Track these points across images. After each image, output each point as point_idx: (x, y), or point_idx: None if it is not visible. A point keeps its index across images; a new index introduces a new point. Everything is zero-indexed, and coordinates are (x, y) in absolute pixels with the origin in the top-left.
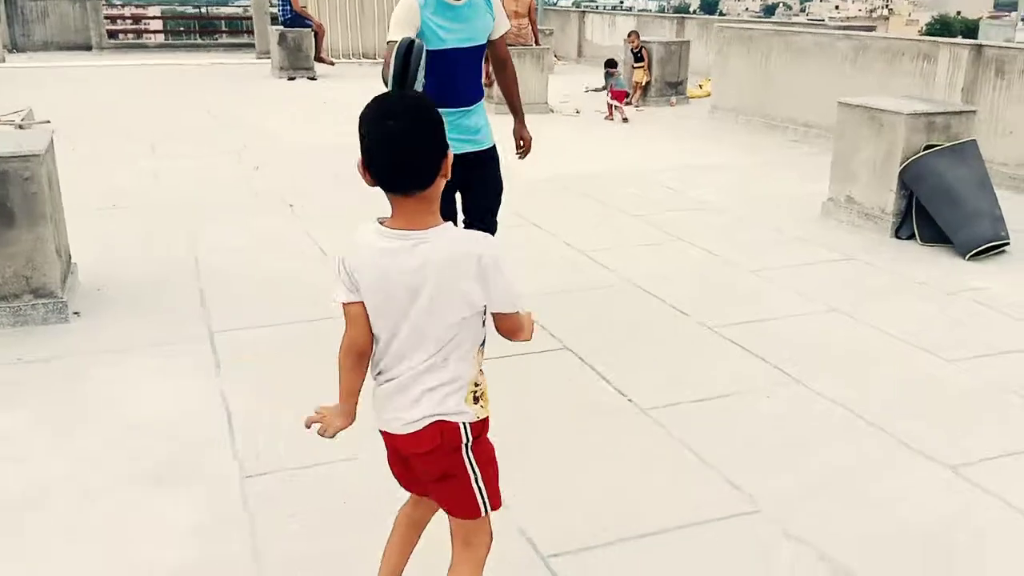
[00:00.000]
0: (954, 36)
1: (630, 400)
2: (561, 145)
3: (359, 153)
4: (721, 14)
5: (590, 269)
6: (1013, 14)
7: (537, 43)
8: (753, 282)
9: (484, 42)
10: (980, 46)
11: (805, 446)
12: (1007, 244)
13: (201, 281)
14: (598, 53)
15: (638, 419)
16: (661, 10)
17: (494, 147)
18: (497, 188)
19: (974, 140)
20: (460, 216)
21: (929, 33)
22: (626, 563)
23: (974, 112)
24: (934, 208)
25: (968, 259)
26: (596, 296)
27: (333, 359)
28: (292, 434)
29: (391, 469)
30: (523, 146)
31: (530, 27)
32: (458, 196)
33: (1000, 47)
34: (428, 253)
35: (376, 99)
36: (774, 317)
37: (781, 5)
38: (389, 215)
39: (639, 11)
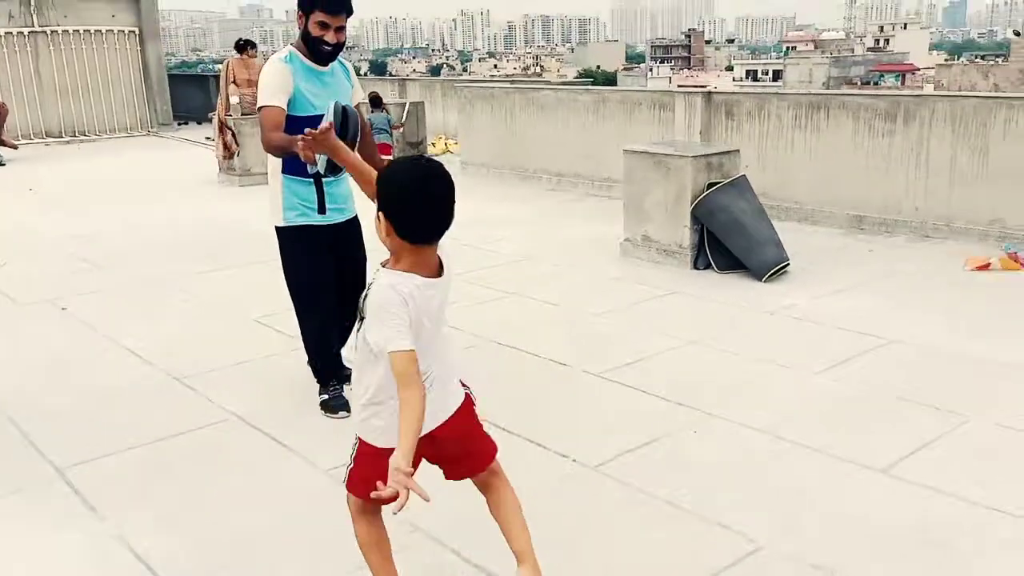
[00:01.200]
0: (598, 86)
1: (575, 460)
2: None
3: (380, 212)
4: (390, 74)
5: None
6: (642, 65)
7: None
8: (605, 325)
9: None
10: (710, 93)
11: (758, 475)
12: (788, 265)
13: (2, 406)
14: None
15: (595, 479)
16: (435, 70)
17: (357, 217)
18: (365, 259)
19: (744, 175)
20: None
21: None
22: None
23: (738, 151)
24: (727, 239)
25: (764, 281)
26: (467, 356)
27: (224, 466)
28: (254, 557)
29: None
30: None
31: None
32: None
33: (726, 93)
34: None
35: (409, 165)
36: (647, 356)
37: (445, 66)
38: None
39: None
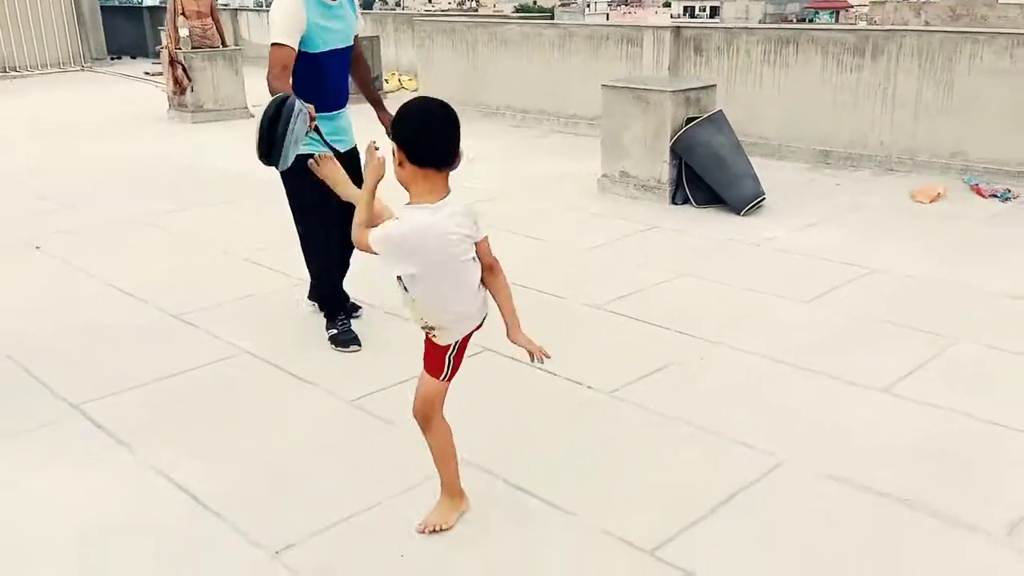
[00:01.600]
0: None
1: (590, 387)
2: None
3: (394, 144)
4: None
5: None
6: (579, 1)
7: (224, 44)
8: (595, 259)
9: (351, 44)
10: (679, 27)
11: (766, 397)
12: (765, 198)
13: None
14: (259, 53)
15: (613, 403)
16: None
17: (356, 147)
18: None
19: (721, 110)
20: None
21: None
22: (724, 536)
23: (715, 86)
24: (706, 173)
25: (742, 215)
26: None
27: (245, 399)
28: (291, 483)
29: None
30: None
31: (215, 27)
32: None
33: (695, 27)
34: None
35: (417, 103)
36: (641, 288)
37: (377, 0)
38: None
39: None
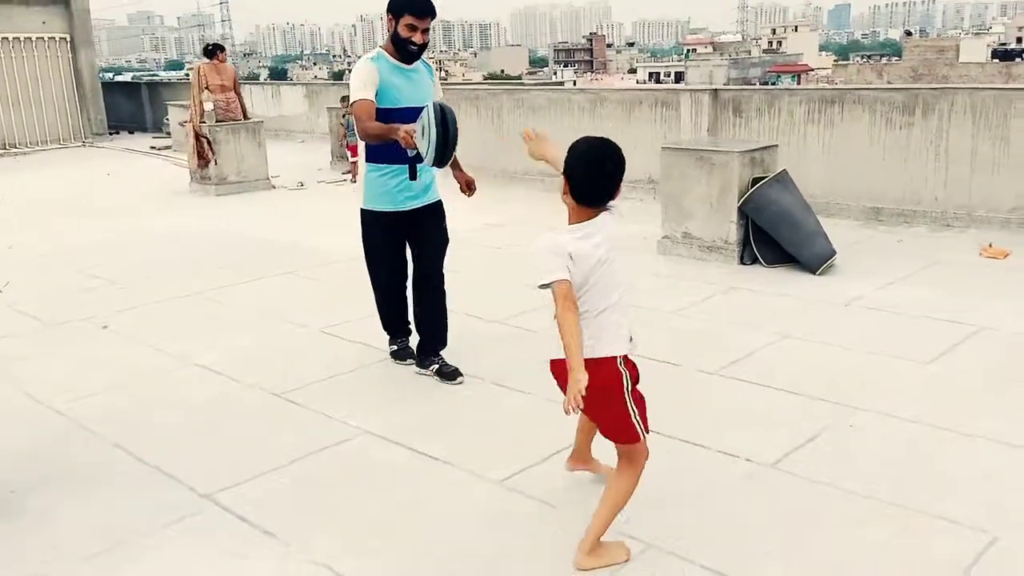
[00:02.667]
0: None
1: (748, 460)
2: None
3: (564, 174)
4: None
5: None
6: (545, 69)
7: (246, 117)
8: (687, 323)
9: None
10: (716, 90)
11: (935, 464)
12: (836, 256)
13: (102, 433)
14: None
15: (780, 477)
16: (337, 76)
17: (440, 201)
18: (445, 239)
19: (785, 169)
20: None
21: None
22: None
23: (776, 146)
24: (777, 233)
25: (817, 274)
26: None
27: (384, 482)
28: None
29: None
30: (470, 187)
31: (237, 100)
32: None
33: (733, 90)
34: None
35: (589, 145)
36: (751, 352)
37: (347, 72)
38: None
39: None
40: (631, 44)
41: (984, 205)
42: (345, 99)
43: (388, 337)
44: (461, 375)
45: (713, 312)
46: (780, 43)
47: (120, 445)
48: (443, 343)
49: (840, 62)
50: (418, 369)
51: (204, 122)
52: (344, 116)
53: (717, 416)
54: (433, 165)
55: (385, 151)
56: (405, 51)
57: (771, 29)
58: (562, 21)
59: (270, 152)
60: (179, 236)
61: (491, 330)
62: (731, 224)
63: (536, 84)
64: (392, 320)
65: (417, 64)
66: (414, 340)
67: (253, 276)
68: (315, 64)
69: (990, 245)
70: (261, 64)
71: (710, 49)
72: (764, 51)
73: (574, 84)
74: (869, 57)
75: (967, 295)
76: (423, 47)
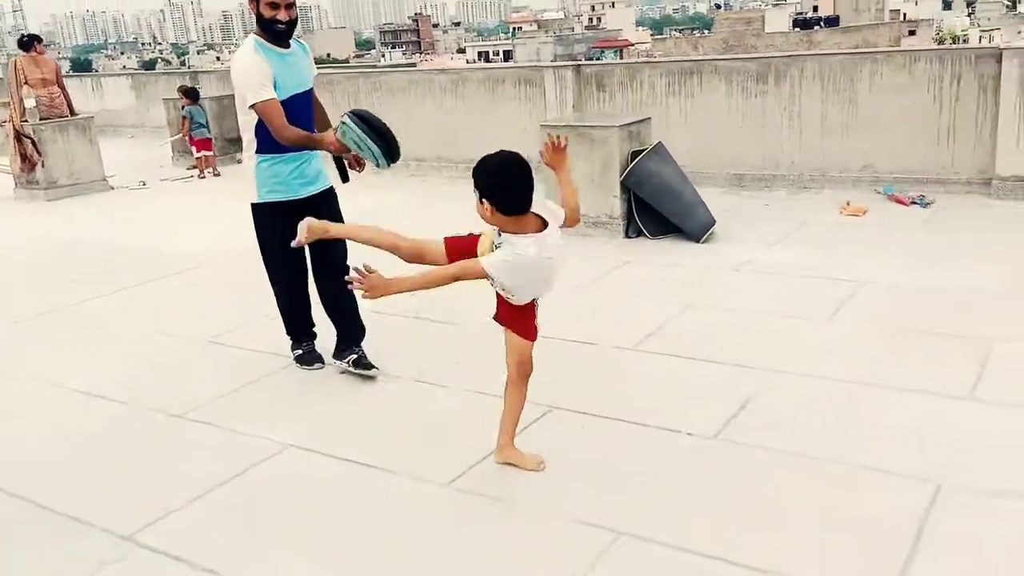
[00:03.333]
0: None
1: (689, 434)
2: (199, 217)
3: (483, 199)
4: (95, 71)
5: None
6: (373, 52)
7: (72, 112)
8: (587, 300)
9: (311, 87)
10: (579, 66)
11: (872, 419)
12: (715, 224)
13: None
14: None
15: (728, 448)
16: (149, 65)
17: (332, 187)
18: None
19: (661, 142)
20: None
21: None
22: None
23: (650, 119)
24: (660, 204)
25: (701, 242)
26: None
27: (324, 498)
28: None
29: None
30: (359, 162)
31: (62, 95)
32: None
33: (596, 65)
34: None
35: (493, 157)
36: (660, 325)
37: (160, 60)
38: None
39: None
40: (457, 24)
41: (836, 166)
42: (185, 89)
43: (291, 342)
44: (376, 367)
45: (612, 287)
46: (600, 19)
47: (15, 493)
48: (362, 331)
49: (657, 36)
50: (335, 361)
51: (26, 120)
52: (183, 108)
53: (647, 392)
54: (389, 165)
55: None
56: (273, 32)
57: (590, 6)
58: (384, 2)
59: (100, 150)
60: (14, 249)
61: (396, 323)
62: (614, 199)
63: (391, 67)
64: (297, 321)
65: (293, 46)
66: (319, 343)
67: (114, 287)
68: (122, 53)
69: (847, 203)
70: (61, 55)
71: (535, 27)
72: (586, 27)
73: (413, 66)
74: (682, 31)
75: (839, 253)
76: (292, 24)
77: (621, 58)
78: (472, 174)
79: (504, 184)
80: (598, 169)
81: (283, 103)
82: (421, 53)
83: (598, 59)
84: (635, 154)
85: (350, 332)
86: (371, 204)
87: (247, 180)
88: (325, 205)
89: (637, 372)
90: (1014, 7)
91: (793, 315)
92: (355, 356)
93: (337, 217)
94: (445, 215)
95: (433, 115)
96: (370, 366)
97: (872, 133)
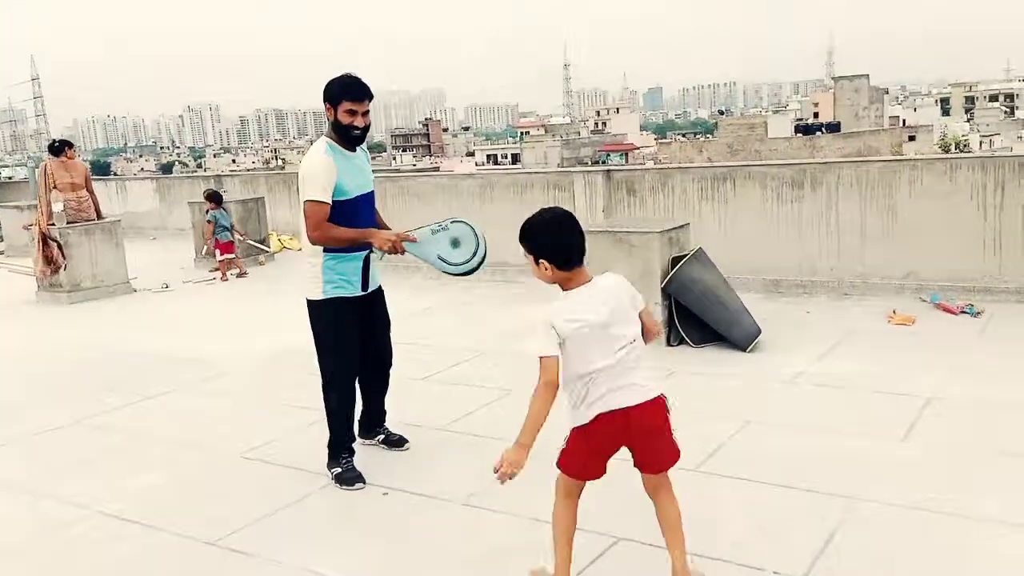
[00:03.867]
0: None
1: (775, 573)
2: (224, 320)
3: (539, 260)
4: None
5: None
6: (384, 154)
7: (100, 215)
8: None
9: (372, 190)
10: (609, 171)
11: (964, 554)
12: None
13: None
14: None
15: None
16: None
17: (381, 286)
18: (389, 324)
19: (701, 247)
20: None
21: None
22: None
23: (688, 224)
24: (704, 312)
25: (748, 352)
26: None
27: None
28: None
29: (585, 463)
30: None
31: (90, 199)
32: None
33: (626, 170)
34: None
35: (536, 216)
36: (721, 443)
37: (177, 163)
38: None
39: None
40: (466, 128)
41: (877, 273)
42: (209, 193)
43: (329, 459)
44: (407, 440)
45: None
46: (605, 124)
47: None
48: (384, 416)
49: (661, 140)
50: (362, 440)
51: (53, 224)
52: (207, 212)
53: (723, 522)
54: (459, 275)
55: None
56: (348, 137)
57: (596, 111)
58: (398, 108)
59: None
60: (36, 354)
61: (440, 438)
62: (655, 305)
63: (419, 171)
64: (345, 429)
65: (358, 150)
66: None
67: (141, 395)
68: (140, 156)
69: (894, 312)
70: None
71: (542, 131)
72: (592, 132)
73: (436, 168)
74: (686, 135)
75: (896, 365)
76: (366, 130)
77: (627, 161)
78: (521, 239)
79: (553, 234)
80: (637, 275)
81: (350, 203)
82: (431, 156)
83: (604, 162)
84: (676, 260)
85: (380, 417)
86: (405, 310)
87: (309, 277)
88: (380, 302)
89: (706, 498)
90: (1012, 112)
91: (864, 434)
92: (383, 435)
93: (387, 313)
94: (481, 316)
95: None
96: (402, 442)
97: (914, 240)
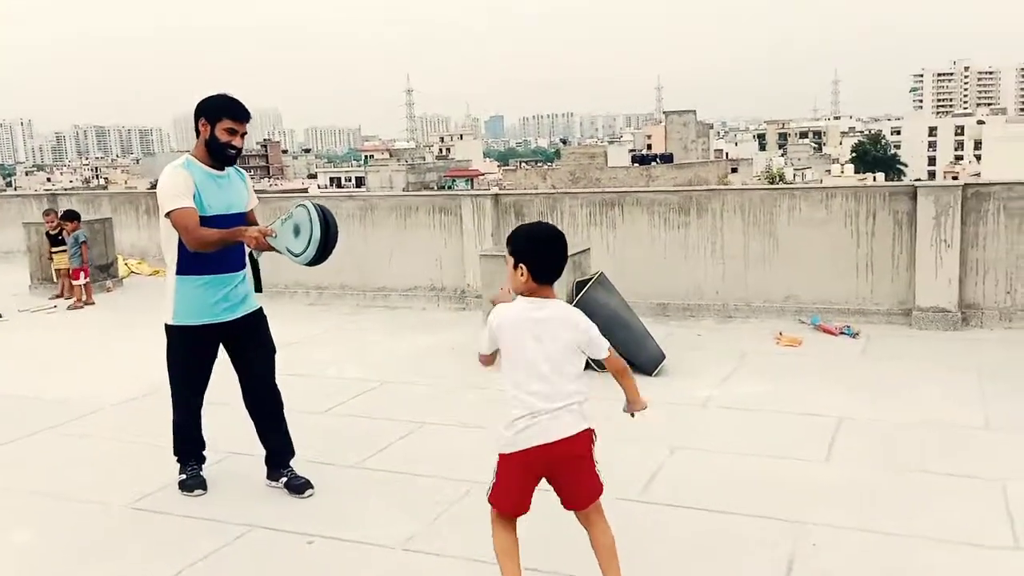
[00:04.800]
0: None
1: None
2: (77, 354)
3: (515, 257)
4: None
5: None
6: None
7: None
8: None
9: (243, 211)
10: (497, 195)
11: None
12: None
13: None
14: None
15: None
16: None
17: (261, 309)
18: (273, 348)
19: (603, 272)
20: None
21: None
22: None
23: (590, 249)
24: (611, 336)
25: (653, 375)
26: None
27: None
28: None
29: (506, 499)
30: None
31: None
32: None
33: (515, 194)
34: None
35: (530, 228)
36: (652, 471)
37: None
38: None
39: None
40: (307, 150)
41: (760, 296)
42: (48, 212)
43: (179, 464)
44: (311, 487)
45: None
46: (449, 150)
47: None
48: (292, 453)
49: (505, 168)
50: (268, 482)
51: None
52: (71, 233)
53: (677, 553)
54: (308, 264)
55: (206, 260)
56: (223, 155)
57: (440, 137)
58: None
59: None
60: None
61: (353, 477)
62: None
63: (286, 191)
64: (193, 441)
65: (228, 171)
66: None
67: None
68: None
69: (781, 334)
70: None
71: (387, 155)
72: (437, 157)
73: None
74: (530, 163)
75: (795, 386)
76: (240, 151)
77: (472, 187)
78: (510, 241)
79: (545, 251)
80: None
81: (209, 220)
82: (270, 178)
83: (450, 187)
84: (580, 284)
85: (283, 456)
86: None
87: (165, 297)
88: (255, 329)
89: (658, 529)
90: (819, 148)
91: (789, 456)
92: (287, 478)
93: (268, 341)
94: (372, 345)
95: (340, 242)
96: (305, 487)
97: (793, 264)
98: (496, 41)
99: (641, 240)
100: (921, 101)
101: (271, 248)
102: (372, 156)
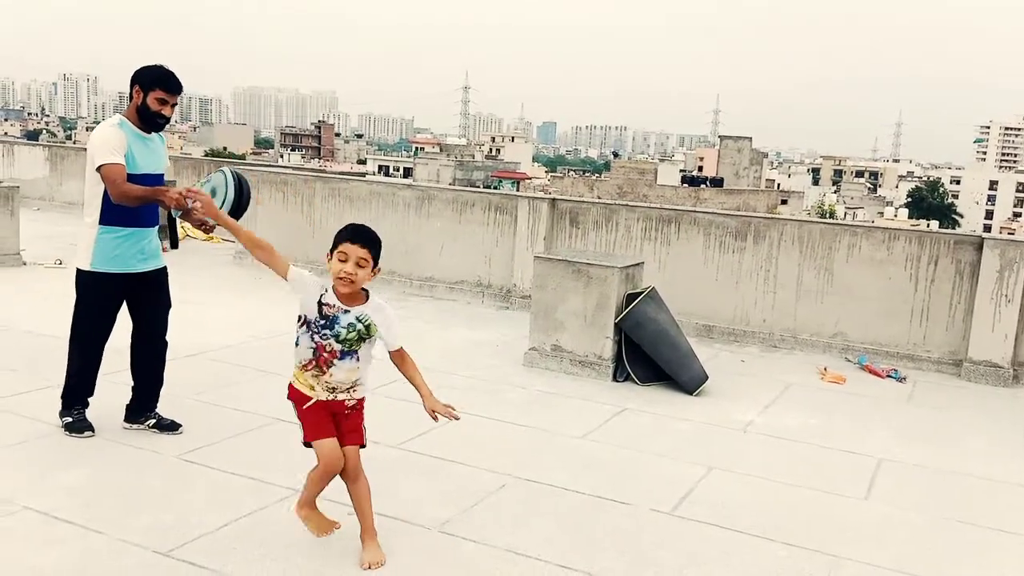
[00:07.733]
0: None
1: None
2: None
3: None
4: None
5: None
6: (271, 151)
7: None
8: (600, 451)
9: (163, 172)
10: (554, 200)
11: None
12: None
13: None
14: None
15: None
16: (32, 135)
17: (166, 267)
18: (168, 303)
19: (654, 287)
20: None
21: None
22: None
23: (643, 263)
24: (655, 351)
25: (694, 395)
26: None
27: None
28: None
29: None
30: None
31: None
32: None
33: (572, 201)
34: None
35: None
36: (690, 488)
37: (45, 132)
38: None
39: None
40: (359, 136)
41: (808, 330)
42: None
43: (63, 408)
44: (180, 425)
45: (620, 437)
46: (499, 151)
47: None
48: (157, 401)
49: (553, 174)
50: (127, 424)
51: None
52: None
53: (706, 573)
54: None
55: (127, 214)
56: (152, 123)
57: (491, 137)
58: (288, 106)
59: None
60: None
61: (393, 456)
62: (607, 340)
63: (345, 174)
64: (84, 388)
65: (153, 134)
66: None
67: (48, 383)
68: (6, 119)
69: (825, 370)
70: None
71: (437, 149)
72: (486, 156)
73: (367, 174)
74: (578, 172)
75: (840, 422)
76: (168, 119)
77: (518, 189)
78: (375, 243)
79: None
80: (592, 308)
81: (136, 178)
82: (320, 159)
83: (495, 187)
84: (630, 296)
85: (151, 395)
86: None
87: (82, 245)
88: (157, 283)
89: (686, 545)
90: (874, 189)
91: (828, 490)
92: (155, 420)
93: (167, 296)
94: (417, 333)
95: (394, 231)
96: (175, 426)
97: (846, 302)
98: (558, 48)
99: (694, 260)
100: (984, 153)
101: (188, 209)
102: (423, 148)
